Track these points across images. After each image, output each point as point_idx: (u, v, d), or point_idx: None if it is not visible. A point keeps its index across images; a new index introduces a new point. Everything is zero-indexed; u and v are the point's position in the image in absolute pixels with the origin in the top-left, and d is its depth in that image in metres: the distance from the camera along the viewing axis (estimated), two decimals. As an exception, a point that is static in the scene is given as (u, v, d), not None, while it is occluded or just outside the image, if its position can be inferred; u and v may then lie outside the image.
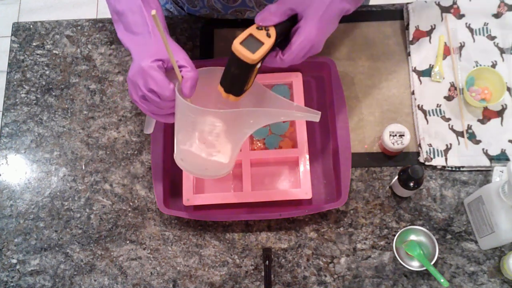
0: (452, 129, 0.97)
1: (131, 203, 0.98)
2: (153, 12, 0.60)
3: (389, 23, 1.06)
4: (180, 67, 0.71)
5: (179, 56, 0.71)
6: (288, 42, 0.72)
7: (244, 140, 0.81)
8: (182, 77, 0.71)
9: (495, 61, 1.00)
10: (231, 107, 0.78)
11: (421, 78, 1.00)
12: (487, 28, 1.02)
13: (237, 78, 0.70)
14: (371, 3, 1.15)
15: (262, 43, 0.68)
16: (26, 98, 1.06)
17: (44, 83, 1.07)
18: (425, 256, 0.89)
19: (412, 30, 1.03)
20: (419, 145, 0.97)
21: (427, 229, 0.91)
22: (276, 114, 0.75)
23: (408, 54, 1.03)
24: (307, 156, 0.94)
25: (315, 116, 0.75)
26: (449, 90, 1.00)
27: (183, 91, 0.71)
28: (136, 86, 0.71)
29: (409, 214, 0.94)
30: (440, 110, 0.98)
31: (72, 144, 1.03)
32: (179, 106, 0.71)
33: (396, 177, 0.91)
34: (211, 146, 0.78)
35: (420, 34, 1.03)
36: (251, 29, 0.69)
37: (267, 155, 0.96)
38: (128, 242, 0.96)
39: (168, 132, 0.98)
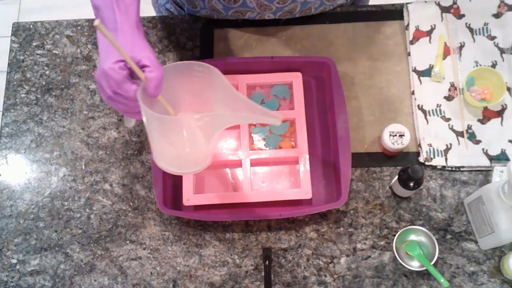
0: (452, 129, 0.97)
1: (131, 203, 0.98)
2: (96, 22, 0.58)
3: (389, 23, 1.06)
4: (143, 66, 0.69)
5: (142, 55, 0.69)
6: None
7: (215, 137, 0.79)
8: (146, 77, 0.69)
9: (495, 61, 1.00)
10: (201, 104, 0.77)
11: (421, 78, 1.00)
12: (487, 28, 1.02)
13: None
14: (371, 3, 1.15)
15: None
16: (26, 98, 1.06)
17: (44, 83, 1.07)
18: (425, 256, 0.89)
19: (412, 30, 1.03)
20: (419, 145, 0.97)
21: (427, 229, 0.91)
22: (236, 117, 0.74)
23: (408, 54, 1.03)
24: (307, 156, 0.94)
25: (275, 120, 0.71)
26: (449, 90, 1.00)
27: (147, 92, 0.69)
28: (102, 87, 0.70)
29: (409, 214, 0.94)
30: (440, 110, 0.98)
31: (72, 144, 1.03)
32: (141, 108, 0.69)
33: (396, 177, 0.91)
34: (180, 145, 0.77)
35: (420, 34, 1.03)
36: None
37: (267, 155, 0.96)
38: (128, 242, 0.96)
39: (168, 132, 0.99)
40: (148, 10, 1.26)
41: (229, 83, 0.72)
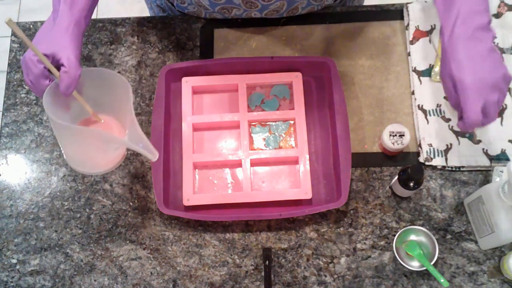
0: (452, 129, 0.97)
1: (131, 203, 0.98)
2: (7, 19, 0.61)
3: (389, 23, 1.06)
4: (61, 65, 0.72)
5: (63, 54, 0.72)
6: None
7: (118, 149, 0.83)
8: (59, 76, 0.73)
9: (495, 61, 1.00)
10: (120, 112, 0.81)
11: (421, 78, 1.00)
12: (487, 28, 1.02)
13: None
14: (371, 3, 1.15)
15: None
16: (26, 98, 1.06)
17: (44, 83, 1.07)
18: (425, 256, 0.89)
19: (412, 30, 1.03)
20: (419, 145, 0.97)
21: (427, 229, 0.91)
22: (113, 140, 0.80)
23: (408, 54, 1.03)
24: (307, 156, 0.94)
25: (152, 157, 0.75)
26: (449, 90, 1.00)
27: (60, 90, 0.73)
28: (23, 72, 0.75)
29: (409, 214, 0.94)
30: (440, 110, 0.98)
31: (72, 144, 1.03)
32: (45, 109, 0.73)
33: (396, 177, 0.91)
34: (78, 149, 0.83)
35: (420, 34, 1.03)
36: None
37: (267, 155, 0.96)
38: (128, 242, 0.96)
39: (168, 132, 0.98)
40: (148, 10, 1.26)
41: (132, 109, 0.76)
